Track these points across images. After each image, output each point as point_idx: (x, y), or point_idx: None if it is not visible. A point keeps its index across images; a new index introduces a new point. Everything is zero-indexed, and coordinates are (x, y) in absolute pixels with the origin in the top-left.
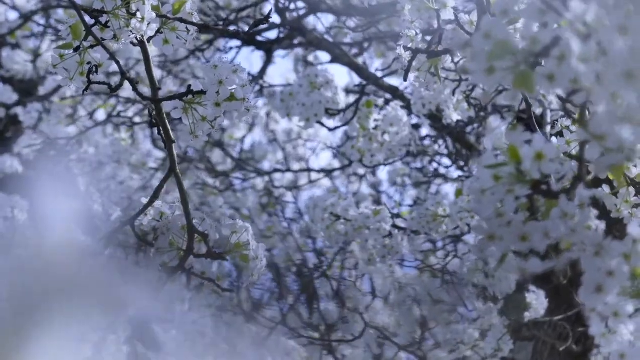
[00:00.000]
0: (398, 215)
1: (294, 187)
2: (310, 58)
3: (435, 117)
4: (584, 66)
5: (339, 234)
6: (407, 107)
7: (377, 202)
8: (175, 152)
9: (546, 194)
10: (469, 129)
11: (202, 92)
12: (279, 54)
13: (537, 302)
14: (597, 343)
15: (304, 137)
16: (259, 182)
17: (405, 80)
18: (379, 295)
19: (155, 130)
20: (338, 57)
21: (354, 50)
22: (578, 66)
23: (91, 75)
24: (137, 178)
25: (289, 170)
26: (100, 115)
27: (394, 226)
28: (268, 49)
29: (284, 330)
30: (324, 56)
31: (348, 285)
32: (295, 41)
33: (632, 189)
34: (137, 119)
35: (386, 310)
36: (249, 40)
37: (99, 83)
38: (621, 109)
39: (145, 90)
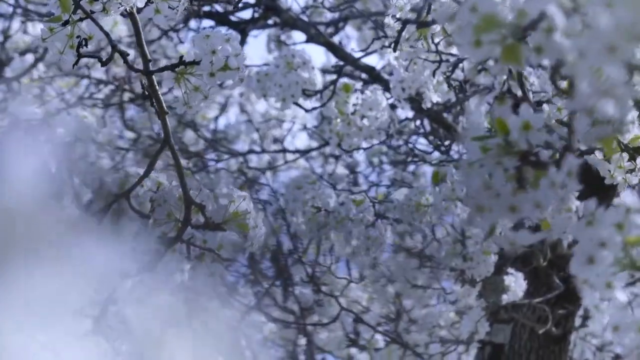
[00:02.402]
0: (379, 202)
1: (269, 168)
2: (283, 37)
3: (415, 101)
4: (568, 40)
5: (320, 226)
6: (386, 88)
7: (354, 183)
8: (168, 124)
9: (535, 164)
10: (447, 111)
11: (195, 63)
12: (253, 34)
13: (516, 284)
14: (576, 325)
15: (280, 118)
16: (233, 164)
17: (394, 51)
18: (355, 281)
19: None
20: (313, 37)
21: (330, 30)
22: (562, 41)
23: (81, 49)
24: (107, 157)
25: (264, 151)
26: (71, 96)
27: (377, 215)
28: (242, 29)
29: (259, 314)
30: (299, 36)
31: (323, 271)
32: (270, 21)
33: (625, 154)
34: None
35: (363, 293)
36: (222, 20)
37: (90, 56)
38: (604, 83)
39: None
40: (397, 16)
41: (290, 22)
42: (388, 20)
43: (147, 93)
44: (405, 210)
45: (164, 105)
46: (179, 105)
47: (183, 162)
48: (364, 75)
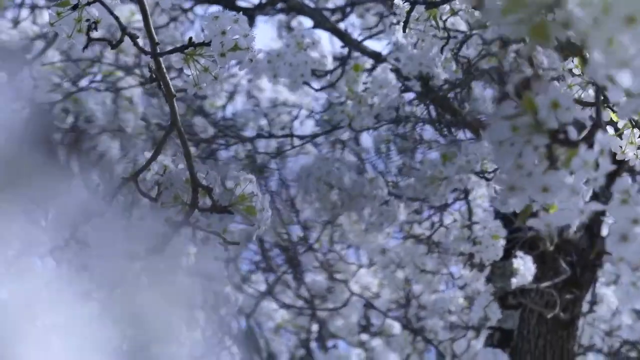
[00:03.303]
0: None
1: (278, 153)
2: (294, 24)
3: (424, 79)
4: (582, 10)
5: (333, 206)
6: (394, 71)
7: (361, 170)
8: (176, 106)
9: (565, 142)
10: (452, 94)
11: (205, 44)
12: (261, 19)
13: (525, 268)
14: (583, 311)
15: (288, 104)
16: (241, 150)
17: (404, 31)
18: (365, 266)
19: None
20: (320, 23)
21: (336, 16)
22: (576, 10)
23: (90, 32)
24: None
25: (271, 136)
26: (84, 81)
27: (390, 193)
28: (250, 15)
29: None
30: (307, 22)
31: (335, 258)
32: (277, 7)
33: (637, 130)
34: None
35: (373, 279)
36: (230, 6)
37: (100, 40)
38: (618, 54)
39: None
40: None
41: (297, 7)
42: (397, 0)
43: (154, 76)
44: (419, 185)
45: (171, 87)
46: (189, 87)
47: (192, 149)
48: (371, 60)
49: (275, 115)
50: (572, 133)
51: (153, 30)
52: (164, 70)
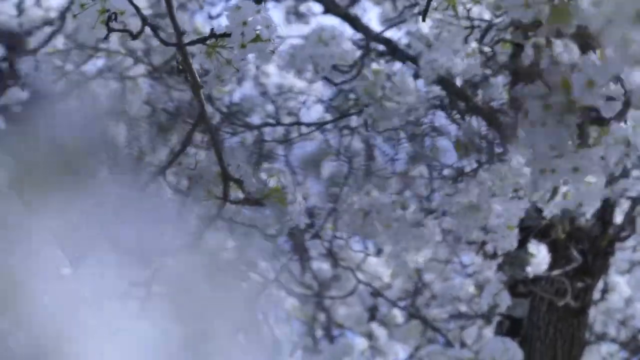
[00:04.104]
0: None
1: (285, 140)
2: (303, 9)
3: (444, 81)
4: (594, 9)
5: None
6: (405, 60)
7: (370, 157)
8: (203, 97)
9: (596, 121)
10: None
11: (226, 35)
12: (270, 5)
13: (539, 256)
14: (595, 299)
15: (295, 90)
16: (249, 137)
17: (423, 20)
18: (371, 254)
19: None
20: (330, 9)
21: (346, 1)
22: (589, 9)
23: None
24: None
25: (279, 123)
26: (90, 68)
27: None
28: (258, 0)
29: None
30: (317, 7)
31: (341, 245)
32: None
33: None
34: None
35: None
36: None
37: (120, 30)
38: (631, 50)
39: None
40: None
41: None
42: None
43: (180, 67)
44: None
45: (198, 79)
46: (211, 79)
47: (199, 136)
48: (381, 47)
49: (282, 102)
50: (605, 111)
51: (177, 21)
52: (190, 60)
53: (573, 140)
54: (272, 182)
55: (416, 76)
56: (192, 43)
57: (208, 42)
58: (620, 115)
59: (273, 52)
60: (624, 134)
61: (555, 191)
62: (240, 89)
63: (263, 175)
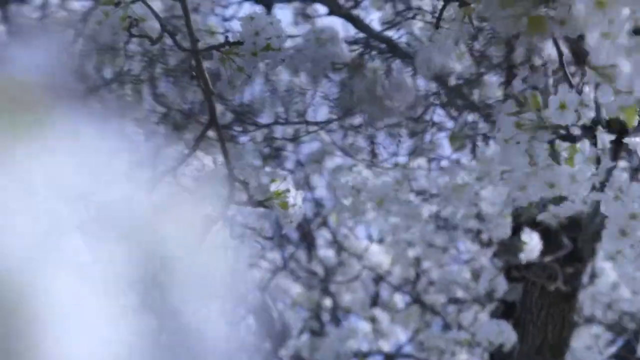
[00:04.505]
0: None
1: (294, 139)
2: (310, 11)
3: (440, 78)
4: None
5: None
6: (404, 58)
7: (373, 153)
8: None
9: (567, 138)
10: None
11: (239, 43)
12: (278, 7)
13: (532, 244)
14: (584, 284)
15: (301, 90)
16: (259, 135)
17: (437, 28)
18: (375, 241)
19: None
20: (334, 10)
21: (350, 3)
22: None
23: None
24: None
25: (287, 122)
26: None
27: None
28: (267, 3)
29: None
30: (322, 9)
31: (345, 234)
32: None
33: None
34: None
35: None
36: None
37: (140, 36)
38: (617, 37)
39: None
40: None
41: None
42: None
43: (194, 74)
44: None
45: (210, 85)
46: (223, 85)
47: (209, 134)
48: (381, 46)
49: (291, 101)
50: (575, 130)
51: (192, 27)
52: (204, 67)
53: (546, 158)
54: (274, 186)
55: (414, 73)
56: (207, 49)
57: (222, 49)
58: (590, 134)
59: (283, 60)
60: (594, 153)
61: (529, 206)
62: (250, 89)
63: (266, 179)
